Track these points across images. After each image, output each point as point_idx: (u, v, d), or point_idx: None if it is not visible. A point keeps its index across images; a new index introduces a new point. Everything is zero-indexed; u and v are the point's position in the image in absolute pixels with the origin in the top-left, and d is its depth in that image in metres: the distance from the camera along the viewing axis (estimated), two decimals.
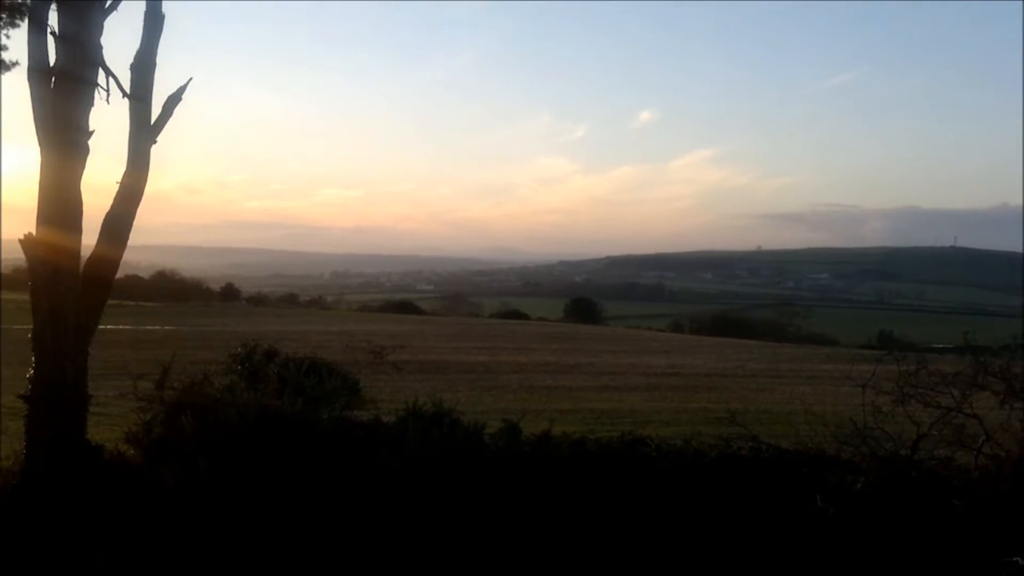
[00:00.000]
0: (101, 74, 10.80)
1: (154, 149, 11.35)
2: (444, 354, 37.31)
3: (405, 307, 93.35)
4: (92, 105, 10.75)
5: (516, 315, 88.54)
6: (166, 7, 11.24)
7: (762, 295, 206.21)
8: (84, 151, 10.69)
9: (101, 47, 10.78)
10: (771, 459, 9.97)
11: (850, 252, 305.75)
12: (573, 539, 8.83)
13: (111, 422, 13.26)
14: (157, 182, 11.46)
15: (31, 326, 10.55)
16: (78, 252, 10.71)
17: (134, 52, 11.14)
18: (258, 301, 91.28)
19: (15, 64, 12.40)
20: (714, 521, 8.94)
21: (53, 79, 10.49)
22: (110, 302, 11.69)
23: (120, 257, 11.36)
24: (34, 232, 10.35)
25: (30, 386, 10.31)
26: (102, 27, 10.81)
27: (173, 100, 11.37)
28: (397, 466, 9.71)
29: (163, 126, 11.32)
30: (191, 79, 11.53)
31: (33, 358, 10.41)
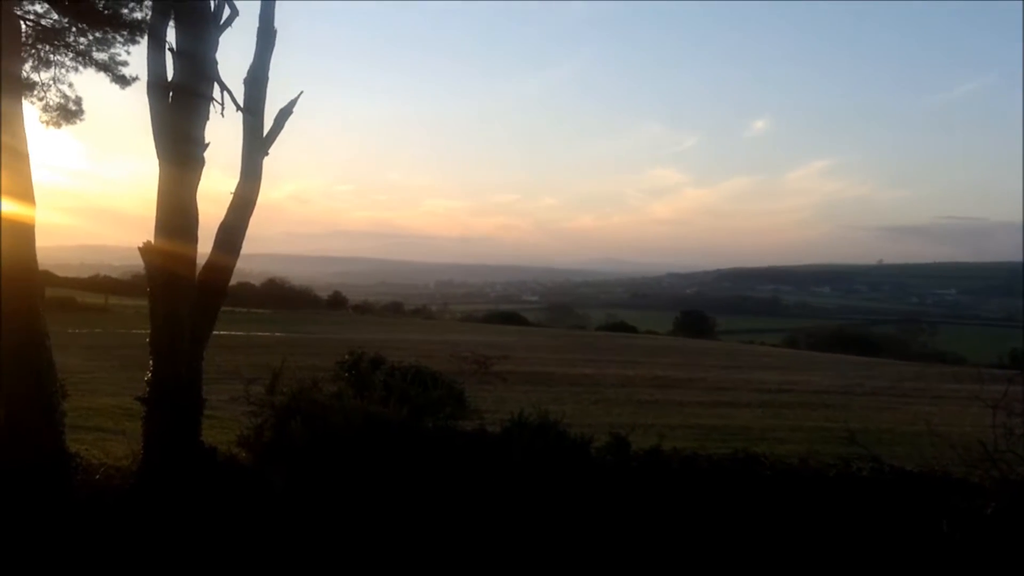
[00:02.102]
0: (216, 88, 11.38)
1: (265, 160, 11.88)
2: (549, 366, 37.30)
3: (510, 318, 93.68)
4: (207, 118, 11.32)
5: (623, 327, 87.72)
6: (278, 22, 11.77)
7: (884, 311, 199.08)
8: (200, 163, 11.27)
9: (216, 62, 11.35)
10: (893, 481, 9.67)
11: (977, 267, 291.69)
12: (683, 558, 8.75)
13: (223, 425, 13.82)
14: (268, 192, 11.97)
15: (148, 331, 11.15)
16: (194, 260, 11.28)
17: (247, 67, 11.69)
18: (364, 309, 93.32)
19: (135, 79, 13.17)
20: (831, 544, 8.72)
21: (171, 94, 11.10)
22: (223, 308, 12.25)
23: (233, 265, 11.90)
24: (152, 240, 10.96)
25: (148, 389, 10.89)
26: (217, 43, 11.38)
27: (284, 113, 11.87)
28: (502, 477, 9.82)
29: (275, 138, 11.82)
30: (302, 92, 12.02)
31: (151, 362, 10.99)
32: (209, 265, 11.52)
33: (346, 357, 19.47)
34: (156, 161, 11.15)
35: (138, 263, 11.37)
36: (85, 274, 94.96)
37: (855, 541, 8.74)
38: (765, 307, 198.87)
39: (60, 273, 77.71)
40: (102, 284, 77.14)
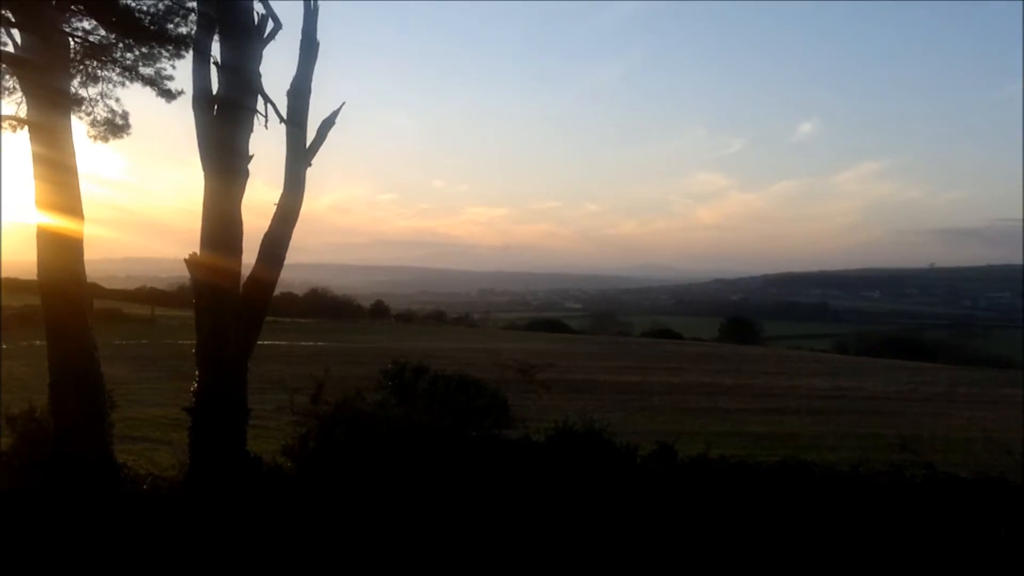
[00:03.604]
0: (260, 101, 11.57)
1: (308, 171, 12.04)
2: (594, 373, 37.23)
3: (553, 325, 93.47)
4: (252, 131, 11.53)
5: (669, 334, 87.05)
6: (320, 33, 11.94)
7: (936, 315, 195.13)
8: (244, 175, 11.47)
9: (260, 75, 11.56)
10: (947, 488, 9.52)
11: None
12: (732, 567, 8.70)
13: (269, 435, 14.00)
14: (310, 203, 12.12)
15: (195, 341, 11.35)
16: (239, 272, 11.46)
17: (290, 79, 11.88)
18: (407, 318, 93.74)
19: (180, 93, 13.42)
20: (883, 555, 8.61)
21: (216, 107, 11.32)
22: (267, 319, 12.42)
23: (277, 277, 12.07)
24: (198, 252, 11.17)
25: (194, 399, 11.09)
26: (261, 56, 11.59)
27: (327, 124, 12.03)
28: (547, 487, 9.83)
29: (317, 149, 11.99)
30: (343, 104, 12.18)
31: (197, 373, 11.18)
32: (254, 276, 11.70)
33: (389, 366, 19.63)
34: (201, 173, 11.38)
35: (184, 275, 11.59)
36: (132, 286, 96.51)
37: (908, 550, 8.62)
38: (813, 312, 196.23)
39: (107, 285, 79.12)
40: (148, 296, 78.38)
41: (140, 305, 64.91)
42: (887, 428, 21.74)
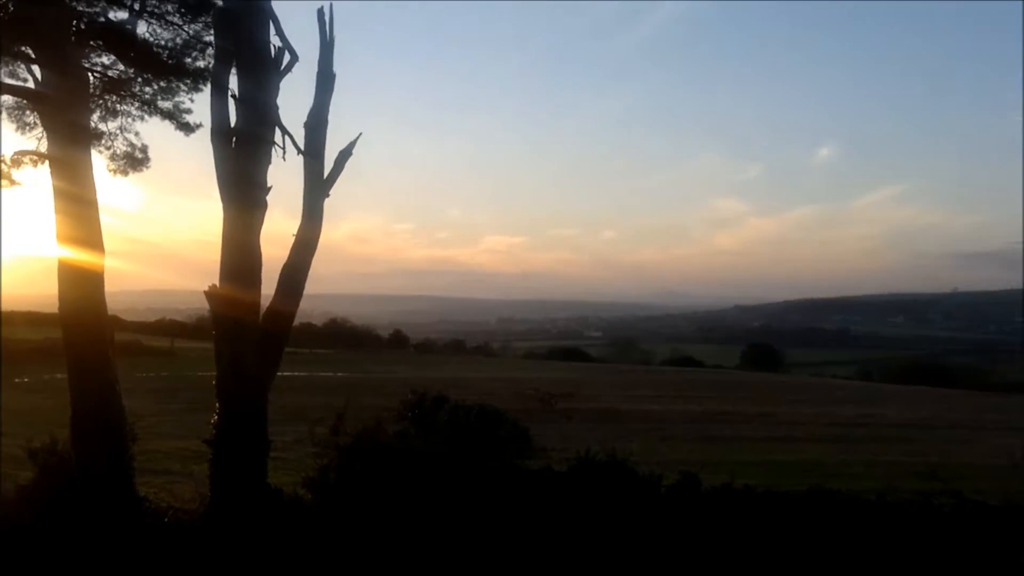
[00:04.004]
0: (277, 132, 11.66)
1: (326, 201, 12.10)
2: (615, 402, 37.08)
3: (573, 354, 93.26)
4: (270, 162, 11.61)
5: (690, 362, 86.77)
6: (336, 65, 12.04)
7: (960, 340, 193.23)
8: (262, 206, 11.54)
9: (277, 107, 11.66)
10: (976, 517, 9.36)
11: None
12: None
13: (289, 467, 13.98)
14: (327, 233, 12.21)
15: (214, 373, 11.38)
16: (258, 304, 11.51)
17: (307, 110, 11.98)
18: (426, 348, 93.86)
19: (199, 126, 13.55)
20: None
21: (234, 139, 11.42)
22: (286, 349, 12.43)
23: (296, 309, 12.11)
24: (217, 284, 11.22)
25: (214, 431, 11.09)
26: (278, 88, 11.70)
27: (344, 155, 12.11)
28: (570, 519, 9.73)
29: (335, 180, 12.06)
30: (361, 134, 12.25)
31: (217, 404, 11.19)
32: (273, 308, 11.74)
33: (409, 397, 19.57)
34: (220, 205, 11.46)
35: (203, 306, 11.63)
36: (151, 318, 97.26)
37: None
38: (835, 339, 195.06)
39: (127, 318, 79.69)
40: (168, 328, 78.84)
41: (160, 337, 65.30)
42: (913, 456, 21.49)
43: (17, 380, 34.24)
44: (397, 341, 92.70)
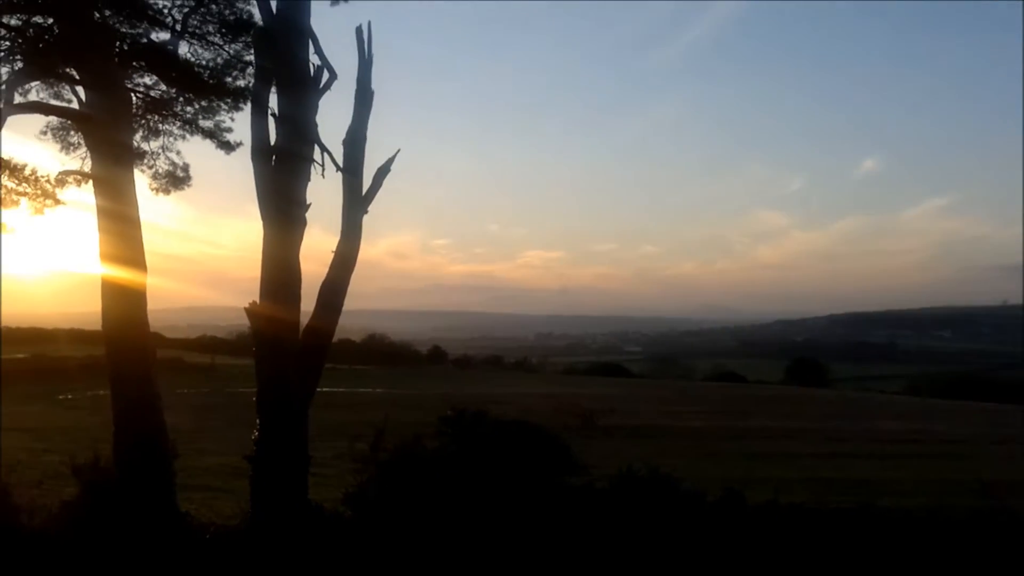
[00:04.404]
0: (316, 150, 11.80)
1: (365, 218, 12.20)
2: (656, 418, 36.81)
3: (613, 369, 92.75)
4: (309, 180, 11.75)
5: (732, 377, 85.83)
6: (374, 82, 12.18)
7: (1011, 354, 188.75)
8: (302, 223, 11.68)
9: (316, 125, 11.80)
10: None
11: None
12: None
13: (329, 482, 14.04)
14: (366, 249, 12.35)
15: (255, 390, 11.49)
16: (297, 320, 11.63)
17: (346, 127, 12.11)
18: (464, 363, 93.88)
19: (239, 144, 13.74)
20: None
21: (274, 157, 11.58)
22: (325, 365, 12.52)
23: (335, 325, 12.21)
24: (257, 301, 11.35)
25: (255, 448, 11.19)
26: (317, 106, 11.85)
27: (382, 171, 12.23)
28: (611, 536, 9.67)
29: (373, 196, 12.17)
30: (399, 151, 12.36)
31: (257, 421, 11.31)
32: (312, 324, 11.85)
33: (448, 413, 19.56)
34: (260, 223, 11.61)
35: (243, 323, 11.78)
36: (192, 335, 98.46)
37: None
38: (882, 353, 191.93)
39: (168, 334, 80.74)
40: (208, 344, 79.70)
41: (200, 354, 66.05)
42: (964, 473, 21.06)
43: (61, 397, 34.87)
44: (435, 357, 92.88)
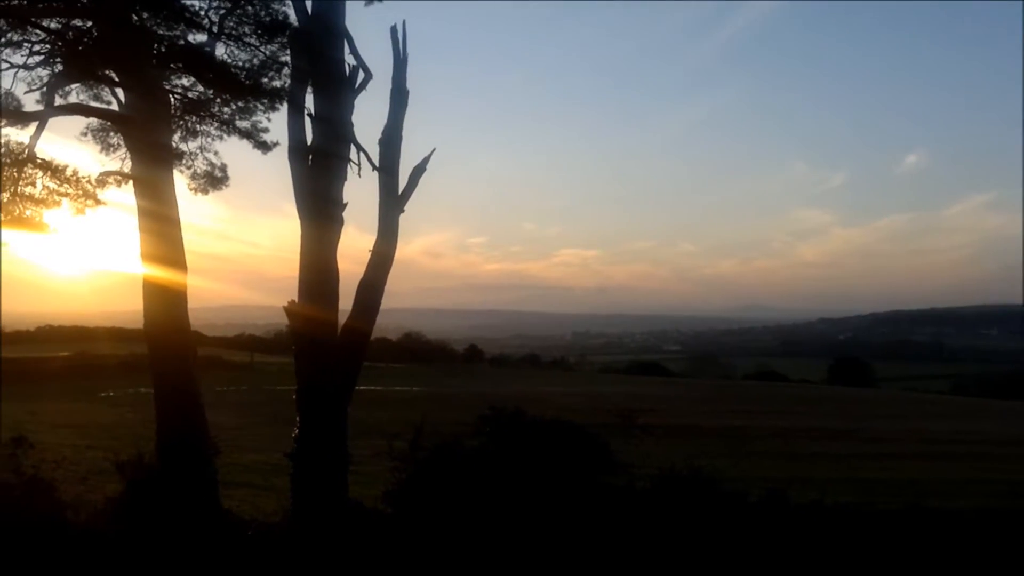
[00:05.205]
0: (352, 149, 11.93)
1: (400, 217, 12.29)
2: (697, 418, 36.59)
3: (652, 368, 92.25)
4: (345, 179, 11.88)
5: (773, 376, 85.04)
6: (409, 82, 12.26)
7: None
8: (339, 223, 11.81)
9: (352, 125, 11.92)
10: None
11: None
12: None
13: (367, 480, 14.17)
14: (401, 248, 12.41)
15: (292, 388, 11.63)
16: (335, 319, 11.75)
17: (381, 127, 12.21)
18: (501, 362, 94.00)
19: (275, 144, 13.91)
20: None
21: (310, 157, 11.71)
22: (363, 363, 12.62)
23: (373, 324, 12.32)
24: (296, 300, 11.49)
25: (295, 445, 11.33)
26: (353, 106, 11.97)
27: (418, 170, 12.31)
28: (651, 537, 9.66)
29: (410, 196, 12.26)
30: (434, 150, 12.45)
31: (297, 419, 11.45)
32: (350, 323, 11.96)
33: (487, 411, 19.67)
34: (296, 222, 11.75)
35: (280, 321, 11.96)
36: (230, 333, 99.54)
37: None
38: (927, 352, 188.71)
39: (207, 333, 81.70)
40: (247, 342, 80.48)
41: (239, 352, 66.78)
42: (1014, 474, 20.75)
43: (103, 394, 35.43)
44: (472, 355, 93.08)
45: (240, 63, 13.02)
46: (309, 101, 11.92)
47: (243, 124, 14.01)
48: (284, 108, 12.30)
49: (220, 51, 12.88)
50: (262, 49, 12.92)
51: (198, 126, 14.38)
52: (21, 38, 12.07)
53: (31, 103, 12.88)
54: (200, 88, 13.61)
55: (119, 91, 12.87)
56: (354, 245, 12.48)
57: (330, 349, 11.53)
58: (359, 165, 12.01)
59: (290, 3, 12.14)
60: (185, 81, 13.49)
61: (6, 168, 11.95)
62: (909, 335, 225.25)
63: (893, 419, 39.78)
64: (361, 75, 11.98)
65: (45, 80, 12.84)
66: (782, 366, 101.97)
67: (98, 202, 12.65)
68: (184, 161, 14.49)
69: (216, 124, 14.25)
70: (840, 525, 9.88)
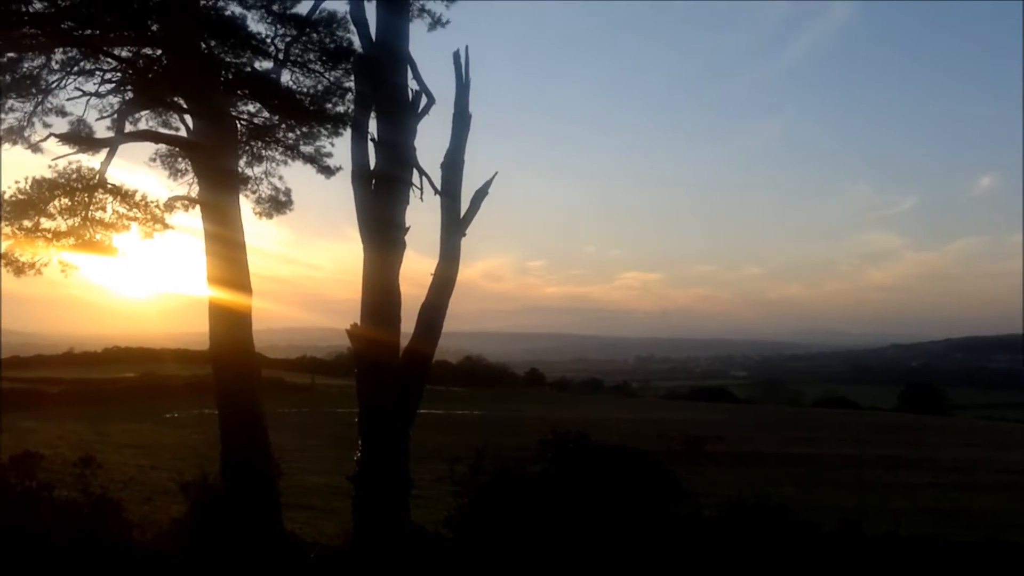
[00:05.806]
0: (415, 174, 12.08)
1: (462, 240, 12.37)
2: (763, 445, 36.00)
3: (717, 394, 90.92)
4: (407, 203, 12.02)
5: (843, 403, 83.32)
6: (472, 106, 12.38)
7: None
8: (401, 246, 11.96)
9: (415, 149, 12.08)
10: None
11: None
12: None
13: (429, 505, 14.21)
14: (462, 271, 12.47)
15: (354, 410, 11.74)
16: (397, 342, 11.87)
17: (442, 151, 12.36)
18: (562, 386, 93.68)
19: (339, 169, 14.14)
20: None
21: (373, 181, 11.89)
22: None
23: (435, 348, 12.41)
24: (358, 323, 11.64)
25: (356, 468, 11.43)
26: (415, 130, 12.14)
27: (480, 194, 12.40)
28: (721, 568, 9.53)
29: (471, 219, 12.35)
30: (496, 173, 12.53)
31: (359, 442, 11.56)
32: (412, 347, 12.05)
33: (549, 436, 19.54)
34: (358, 246, 11.92)
35: (340, 343, 12.18)
36: (292, 355, 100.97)
37: None
38: (1004, 379, 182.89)
39: (269, 355, 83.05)
40: (308, 365, 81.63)
41: (300, 374, 67.64)
42: None
43: (167, 415, 36.19)
44: (533, 379, 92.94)
45: (305, 89, 13.28)
46: (372, 126, 12.12)
47: (307, 149, 14.27)
48: (348, 133, 12.51)
49: (285, 77, 13.17)
50: (326, 75, 13.16)
51: (263, 151, 14.69)
52: (93, 67, 12.54)
53: (102, 130, 13.36)
54: (265, 114, 13.90)
55: (187, 118, 13.21)
56: (415, 268, 12.62)
57: (392, 372, 11.63)
58: (421, 189, 12.17)
59: (354, 30, 12.38)
60: (251, 107, 13.80)
61: (78, 193, 12.34)
62: (984, 362, 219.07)
63: (968, 448, 38.69)
64: (424, 100, 12.16)
65: (116, 107, 13.28)
66: (852, 392, 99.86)
67: (166, 226, 12.96)
68: (249, 186, 14.79)
69: (281, 149, 14.54)
70: (916, 557, 9.63)
